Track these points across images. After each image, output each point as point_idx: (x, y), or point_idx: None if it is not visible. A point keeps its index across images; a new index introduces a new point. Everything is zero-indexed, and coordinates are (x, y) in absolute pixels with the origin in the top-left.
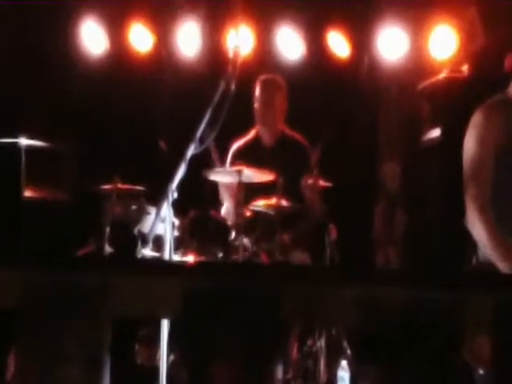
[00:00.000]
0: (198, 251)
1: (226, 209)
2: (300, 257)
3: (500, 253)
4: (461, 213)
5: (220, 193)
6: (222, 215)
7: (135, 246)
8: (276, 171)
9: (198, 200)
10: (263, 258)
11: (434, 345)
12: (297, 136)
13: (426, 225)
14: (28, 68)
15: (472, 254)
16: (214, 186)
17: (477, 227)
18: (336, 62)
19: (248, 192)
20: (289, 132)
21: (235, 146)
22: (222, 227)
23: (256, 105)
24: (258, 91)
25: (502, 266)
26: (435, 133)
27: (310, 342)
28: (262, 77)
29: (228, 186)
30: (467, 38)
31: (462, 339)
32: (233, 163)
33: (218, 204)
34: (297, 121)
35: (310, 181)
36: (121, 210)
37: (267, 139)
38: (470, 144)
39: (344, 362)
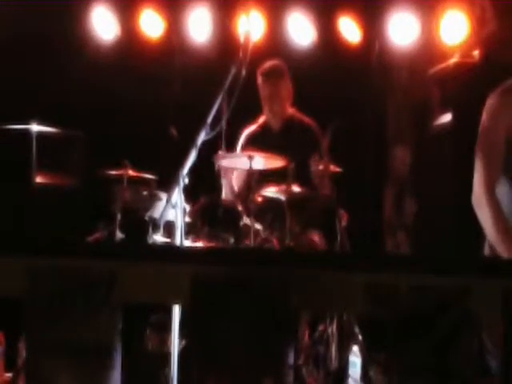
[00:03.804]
0: (209, 237)
1: (232, 193)
2: (312, 242)
3: (502, 236)
4: (471, 199)
5: (234, 178)
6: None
7: (146, 231)
8: (285, 156)
9: (208, 186)
10: (274, 244)
11: (443, 331)
12: (305, 119)
13: (436, 210)
14: (39, 54)
15: (482, 240)
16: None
17: (483, 209)
18: (346, 47)
19: (259, 177)
20: (297, 115)
21: (246, 131)
22: (232, 213)
23: (261, 95)
24: (260, 83)
25: (501, 250)
26: (446, 118)
27: (321, 328)
28: (263, 67)
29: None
30: (478, 23)
31: (471, 326)
32: (244, 149)
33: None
34: (307, 106)
35: (321, 166)
36: (131, 196)
37: (275, 125)
38: (483, 126)
39: (355, 348)
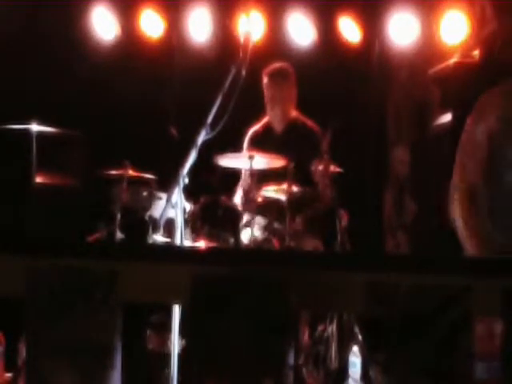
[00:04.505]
0: (209, 237)
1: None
2: (312, 243)
3: (469, 232)
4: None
5: (242, 178)
6: (235, 201)
7: (146, 231)
8: (287, 157)
9: (208, 186)
10: (275, 244)
11: (443, 330)
12: (308, 122)
13: (435, 211)
14: (39, 54)
15: None
16: (226, 171)
17: (455, 206)
18: (347, 47)
19: (260, 177)
20: (300, 118)
21: (251, 131)
22: (232, 213)
23: (265, 96)
24: (265, 84)
25: (468, 246)
26: (446, 118)
27: (321, 328)
28: (268, 69)
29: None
30: (478, 23)
31: (470, 325)
32: (248, 148)
33: (231, 190)
34: (307, 106)
35: (321, 166)
36: (131, 196)
37: (278, 127)
38: (466, 129)
39: (355, 348)
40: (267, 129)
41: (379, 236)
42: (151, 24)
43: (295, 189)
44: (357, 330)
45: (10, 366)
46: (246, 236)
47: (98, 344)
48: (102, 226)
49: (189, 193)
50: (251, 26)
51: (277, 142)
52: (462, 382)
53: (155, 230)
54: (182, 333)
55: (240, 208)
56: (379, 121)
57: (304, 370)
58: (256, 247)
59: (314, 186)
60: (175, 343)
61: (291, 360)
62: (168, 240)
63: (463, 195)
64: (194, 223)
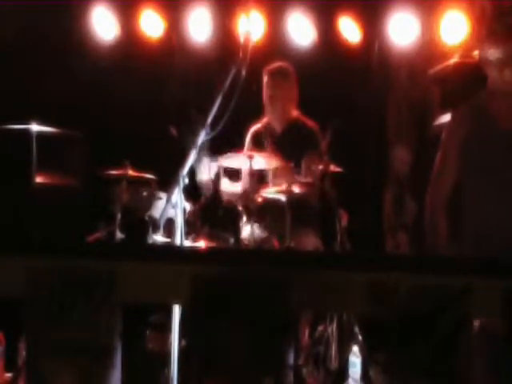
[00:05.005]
0: (209, 237)
1: None
2: (312, 243)
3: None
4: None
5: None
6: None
7: (146, 231)
8: (286, 157)
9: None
10: (275, 244)
11: (443, 331)
12: (308, 122)
13: None
14: (39, 54)
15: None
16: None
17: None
18: (347, 47)
19: (260, 177)
20: (301, 118)
21: (252, 129)
22: (232, 213)
23: (264, 96)
24: (265, 82)
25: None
26: (445, 118)
27: (321, 328)
28: (269, 67)
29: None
30: (478, 23)
31: (470, 325)
32: (250, 147)
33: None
34: (307, 106)
35: (321, 166)
36: (131, 196)
37: (277, 126)
38: (442, 142)
39: (355, 348)
40: (267, 128)
41: (379, 236)
42: (151, 24)
43: (295, 189)
44: (357, 330)
45: (10, 366)
46: (245, 236)
47: (98, 344)
48: (102, 225)
49: (189, 193)
50: (251, 26)
51: (276, 141)
52: (461, 382)
53: (155, 229)
54: (182, 333)
55: (240, 208)
56: (379, 121)
57: (304, 370)
58: (256, 247)
59: (313, 186)
60: (175, 343)
61: (291, 360)
62: (168, 240)
63: (433, 199)
64: (195, 223)
